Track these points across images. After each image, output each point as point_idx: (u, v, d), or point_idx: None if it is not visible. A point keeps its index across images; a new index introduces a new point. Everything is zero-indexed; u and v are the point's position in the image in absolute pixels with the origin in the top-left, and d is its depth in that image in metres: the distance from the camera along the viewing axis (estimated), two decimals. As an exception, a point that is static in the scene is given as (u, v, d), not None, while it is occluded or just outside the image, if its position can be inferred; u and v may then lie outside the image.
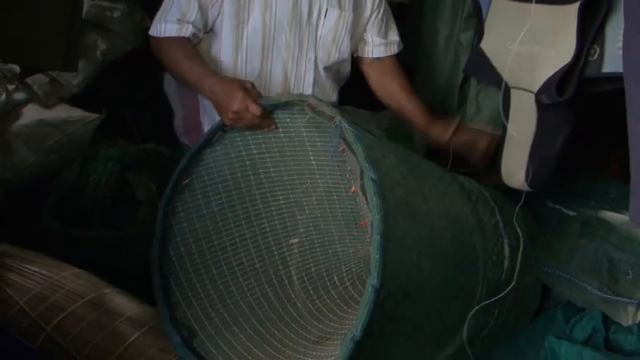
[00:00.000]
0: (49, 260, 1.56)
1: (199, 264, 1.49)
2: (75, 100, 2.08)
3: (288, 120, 1.35)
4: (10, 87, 1.90)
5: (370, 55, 1.84)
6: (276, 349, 1.42)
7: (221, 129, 1.41)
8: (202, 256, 1.49)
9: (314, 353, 1.35)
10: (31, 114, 1.92)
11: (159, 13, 1.65)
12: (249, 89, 1.37)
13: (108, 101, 2.15)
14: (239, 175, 1.46)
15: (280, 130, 1.38)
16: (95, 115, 1.98)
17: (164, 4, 1.64)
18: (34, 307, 1.42)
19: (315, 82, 1.71)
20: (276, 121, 1.37)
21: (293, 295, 1.52)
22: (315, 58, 1.69)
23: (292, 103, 1.30)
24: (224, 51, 1.64)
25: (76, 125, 1.94)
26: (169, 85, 2.26)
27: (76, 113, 1.97)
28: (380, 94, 1.89)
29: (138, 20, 2.31)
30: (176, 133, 2.20)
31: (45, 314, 1.41)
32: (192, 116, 2.19)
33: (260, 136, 1.41)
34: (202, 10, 1.60)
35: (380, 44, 1.83)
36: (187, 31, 1.58)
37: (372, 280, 1.04)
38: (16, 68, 1.89)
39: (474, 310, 1.40)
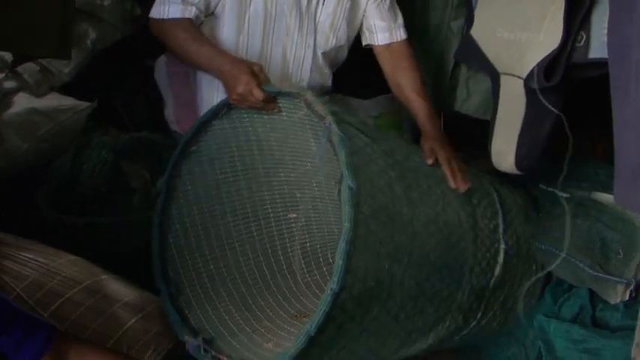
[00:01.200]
0: (44, 248, 1.57)
1: (199, 226, 1.54)
2: (66, 89, 2.09)
3: (291, 106, 1.38)
4: (1, 75, 1.89)
5: (377, 42, 1.83)
6: (256, 317, 1.48)
7: (228, 105, 1.45)
8: (202, 219, 1.54)
9: (288, 328, 1.41)
10: (22, 102, 1.91)
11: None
12: (256, 73, 1.40)
13: (98, 90, 2.15)
14: (244, 148, 1.51)
15: (284, 114, 1.41)
16: (86, 104, 1.98)
17: None
18: (32, 294, 1.43)
19: (313, 67, 1.73)
20: (281, 106, 1.39)
21: (285, 267, 1.56)
22: (315, 43, 1.71)
23: (292, 95, 1.33)
24: (225, 34, 1.65)
25: (68, 114, 1.94)
26: (160, 73, 2.27)
27: (68, 102, 1.97)
28: (391, 86, 1.86)
29: (128, 9, 2.30)
30: (167, 121, 2.22)
31: (42, 300, 1.42)
32: (183, 105, 2.20)
33: (266, 117, 1.45)
34: None
35: (384, 29, 1.82)
36: (191, 12, 1.59)
37: (332, 284, 1.09)
38: (8, 56, 1.88)
39: (451, 312, 1.44)
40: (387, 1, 1.82)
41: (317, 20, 1.71)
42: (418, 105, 1.74)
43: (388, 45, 1.83)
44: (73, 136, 1.93)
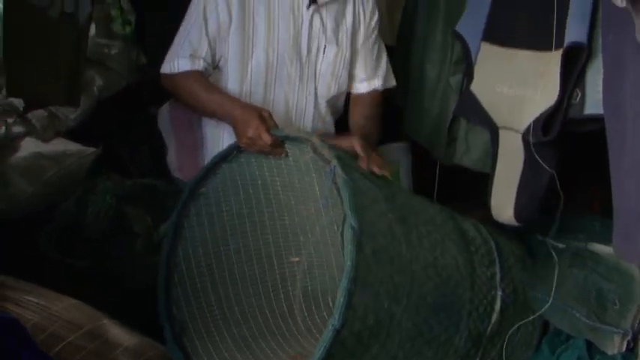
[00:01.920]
0: (46, 291, 1.57)
1: (204, 267, 1.58)
2: (71, 134, 2.12)
3: (297, 152, 1.43)
4: (10, 120, 1.93)
5: (354, 91, 1.89)
6: (257, 358, 1.50)
7: (237, 149, 1.49)
8: (208, 260, 1.58)
9: None
10: (28, 147, 1.95)
11: (170, 52, 1.72)
12: (265, 118, 1.46)
13: (103, 136, 2.18)
14: (251, 191, 1.55)
15: (290, 158, 1.46)
16: (91, 150, 2.01)
17: (175, 43, 1.72)
18: (35, 336, 1.42)
19: (315, 114, 1.78)
20: (288, 150, 1.44)
21: (286, 309, 1.58)
22: (316, 91, 1.76)
23: (299, 139, 1.38)
24: (229, 84, 1.71)
25: (73, 159, 1.97)
26: (163, 121, 2.31)
27: (73, 147, 2.00)
28: (349, 122, 1.89)
29: (134, 57, 2.38)
30: (169, 168, 2.25)
31: (46, 342, 1.41)
32: (185, 152, 2.24)
33: (273, 161, 1.51)
34: (211, 46, 1.68)
35: (364, 80, 1.89)
36: (200, 64, 1.67)
37: (334, 321, 1.13)
38: (18, 102, 1.92)
39: (448, 357, 1.46)
40: (375, 51, 1.89)
41: (318, 69, 1.77)
42: (359, 124, 1.80)
43: (362, 93, 1.89)
44: (77, 181, 1.96)
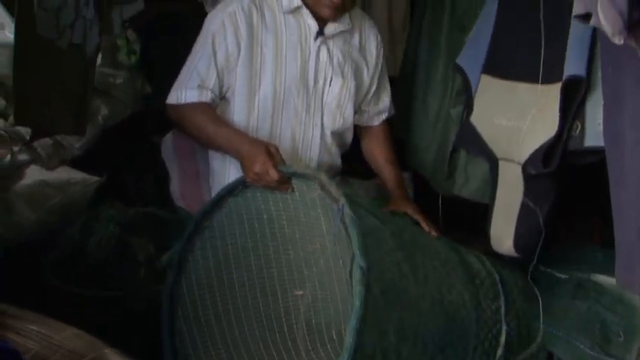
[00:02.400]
0: (48, 320, 1.56)
1: (208, 300, 1.57)
2: (75, 162, 2.14)
3: (304, 187, 1.44)
4: (15, 148, 1.95)
5: (363, 124, 1.95)
6: None
7: (243, 183, 1.50)
8: (212, 293, 1.57)
9: None
10: (33, 174, 1.97)
11: (178, 82, 1.72)
12: (272, 153, 1.47)
13: (107, 164, 2.21)
14: (256, 225, 1.55)
15: (297, 194, 1.47)
16: (95, 178, 2.04)
17: (183, 73, 1.72)
18: (36, 365, 1.42)
19: (322, 146, 1.79)
20: (294, 185, 1.46)
21: (289, 343, 1.57)
22: (322, 123, 1.78)
23: (307, 176, 1.40)
24: (237, 116, 1.72)
25: (77, 187, 1.99)
26: (167, 150, 2.33)
27: (77, 175, 2.02)
28: (364, 153, 2.01)
29: (139, 87, 2.42)
30: (172, 198, 2.26)
31: (46, 373, 1.40)
32: (188, 181, 2.26)
33: (279, 196, 1.51)
34: (220, 78, 1.69)
35: (371, 112, 1.94)
36: (207, 96, 1.67)
37: None
38: (24, 130, 1.95)
39: None
40: (383, 84, 1.93)
41: (324, 101, 1.79)
42: (388, 171, 1.88)
43: (374, 126, 1.93)
44: (80, 209, 1.97)
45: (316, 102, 1.76)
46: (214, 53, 1.67)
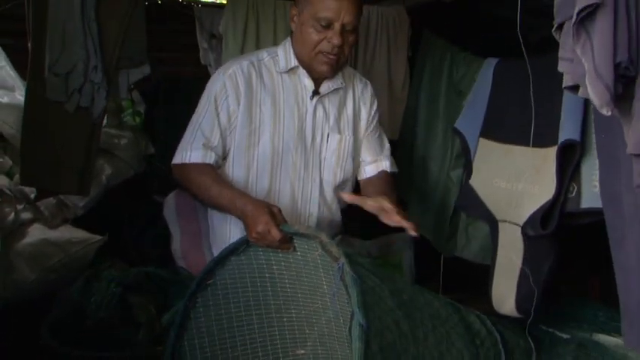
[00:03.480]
0: (45, 381, 1.55)
1: (209, 357, 1.54)
2: (76, 219, 2.16)
3: (305, 247, 1.45)
4: (19, 207, 1.97)
5: (364, 176, 1.95)
6: None
7: (246, 243, 1.51)
8: (213, 351, 1.55)
9: None
10: (35, 233, 1.98)
11: (182, 143, 1.75)
12: (275, 214, 1.49)
13: (109, 223, 2.22)
14: (258, 284, 1.55)
15: (299, 253, 1.48)
16: (98, 237, 2.05)
17: (187, 134, 1.75)
18: None
19: (321, 201, 1.81)
20: (296, 245, 1.47)
21: None
22: (321, 178, 1.81)
23: (308, 236, 1.41)
24: (236, 171, 1.75)
25: (79, 246, 2.00)
26: (169, 210, 2.35)
27: (80, 234, 2.04)
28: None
29: (142, 147, 2.46)
30: (173, 257, 2.26)
31: None
32: (190, 241, 2.26)
33: (281, 255, 1.52)
34: (223, 137, 1.72)
35: (370, 162, 1.95)
36: (211, 157, 1.70)
37: None
38: (28, 190, 1.97)
39: None
40: (378, 136, 1.95)
41: (322, 157, 1.81)
42: (379, 189, 1.78)
43: (371, 176, 1.94)
44: (81, 268, 1.97)
45: (314, 158, 1.80)
46: (217, 114, 1.72)
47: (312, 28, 1.65)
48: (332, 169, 1.82)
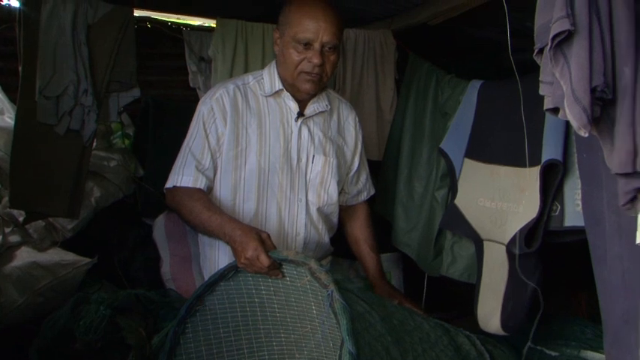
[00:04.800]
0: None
1: None
2: (65, 242, 2.16)
3: (294, 273, 1.47)
4: (7, 230, 1.97)
5: (345, 204, 2.01)
6: None
7: (235, 268, 1.52)
8: None
9: None
10: (24, 256, 1.97)
11: (174, 167, 1.77)
12: (264, 240, 1.50)
13: (98, 245, 2.22)
14: (247, 309, 1.55)
15: (287, 279, 1.49)
16: (87, 260, 2.03)
17: (179, 158, 1.78)
18: None
19: (308, 222, 1.84)
20: (285, 271, 1.48)
21: None
22: (307, 199, 1.84)
23: (297, 262, 1.43)
24: (223, 193, 1.77)
25: (68, 269, 1.99)
26: (158, 232, 2.36)
27: (69, 257, 2.03)
28: (347, 235, 2.07)
29: (132, 170, 2.46)
30: (163, 279, 2.26)
31: None
32: (179, 263, 2.27)
33: (270, 281, 1.52)
34: (213, 158, 1.76)
35: (353, 192, 2.01)
36: (202, 182, 1.73)
37: None
38: (17, 212, 1.97)
39: None
40: (362, 166, 2.01)
41: (307, 177, 1.85)
42: (371, 260, 1.97)
43: (354, 205, 1.99)
44: (70, 291, 1.96)
45: (300, 179, 1.83)
46: (206, 136, 1.75)
47: (292, 49, 1.70)
48: (316, 189, 1.86)
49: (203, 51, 2.62)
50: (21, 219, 1.99)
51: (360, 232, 2.02)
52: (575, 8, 0.97)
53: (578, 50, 0.98)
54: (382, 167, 2.46)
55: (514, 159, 1.75)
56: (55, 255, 2.01)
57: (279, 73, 1.80)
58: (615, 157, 0.96)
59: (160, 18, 2.69)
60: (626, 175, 0.94)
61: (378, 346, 1.34)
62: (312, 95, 1.82)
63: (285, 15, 1.73)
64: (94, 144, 2.27)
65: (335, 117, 1.92)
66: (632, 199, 0.96)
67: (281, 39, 1.75)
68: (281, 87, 1.80)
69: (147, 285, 2.09)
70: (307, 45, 1.68)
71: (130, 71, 2.19)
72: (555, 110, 1.05)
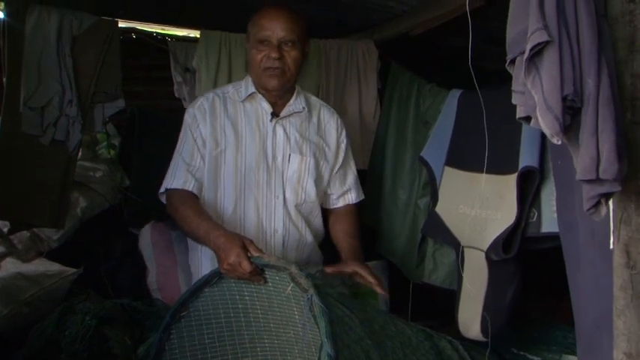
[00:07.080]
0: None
1: None
2: (51, 253, 2.16)
3: (277, 278, 1.49)
4: (-8, 241, 1.97)
5: (330, 206, 2.05)
6: None
7: (219, 275, 1.54)
8: None
9: None
10: (9, 267, 1.98)
11: (167, 173, 1.84)
12: (247, 246, 1.53)
13: (84, 255, 2.22)
14: (231, 315, 1.58)
15: (270, 284, 1.51)
16: (72, 270, 2.04)
17: (171, 165, 1.85)
18: None
19: (286, 219, 1.88)
20: (267, 276, 1.51)
21: None
22: (284, 196, 1.88)
23: (278, 268, 1.45)
24: (207, 191, 1.84)
25: (53, 279, 1.99)
26: (144, 242, 2.37)
27: (54, 267, 2.03)
28: (331, 234, 2.05)
29: (118, 180, 2.48)
30: (149, 289, 2.28)
31: None
32: (165, 273, 2.29)
33: (253, 286, 1.55)
34: (203, 160, 1.83)
35: (337, 194, 2.04)
36: (192, 183, 1.80)
37: None
38: (2, 224, 1.97)
39: None
40: (346, 168, 2.03)
41: (285, 176, 1.89)
42: (347, 243, 1.92)
43: (338, 208, 2.02)
44: (55, 301, 1.97)
45: (277, 176, 1.88)
46: (194, 139, 1.84)
47: (255, 49, 1.82)
48: (293, 187, 1.90)
49: (188, 62, 2.64)
50: (6, 229, 2.00)
51: (340, 225, 2.00)
52: (546, 19, 1.01)
53: (549, 60, 1.01)
54: (368, 176, 2.48)
55: (493, 167, 1.78)
56: (41, 265, 2.02)
57: (252, 78, 1.89)
58: (580, 163, 1.00)
59: (145, 29, 2.71)
60: (589, 181, 0.97)
61: (357, 349, 1.36)
62: (287, 94, 1.89)
63: (250, 24, 1.84)
64: (80, 154, 2.29)
65: (315, 119, 1.98)
66: (597, 204, 1.00)
67: (249, 45, 1.86)
68: (254, 90, 1.88)
69: (133, 295, 2.10)
70: (266, 42, 1.79)
71: (115, 82, 2.21)
72: (528, 119, 1.09)
